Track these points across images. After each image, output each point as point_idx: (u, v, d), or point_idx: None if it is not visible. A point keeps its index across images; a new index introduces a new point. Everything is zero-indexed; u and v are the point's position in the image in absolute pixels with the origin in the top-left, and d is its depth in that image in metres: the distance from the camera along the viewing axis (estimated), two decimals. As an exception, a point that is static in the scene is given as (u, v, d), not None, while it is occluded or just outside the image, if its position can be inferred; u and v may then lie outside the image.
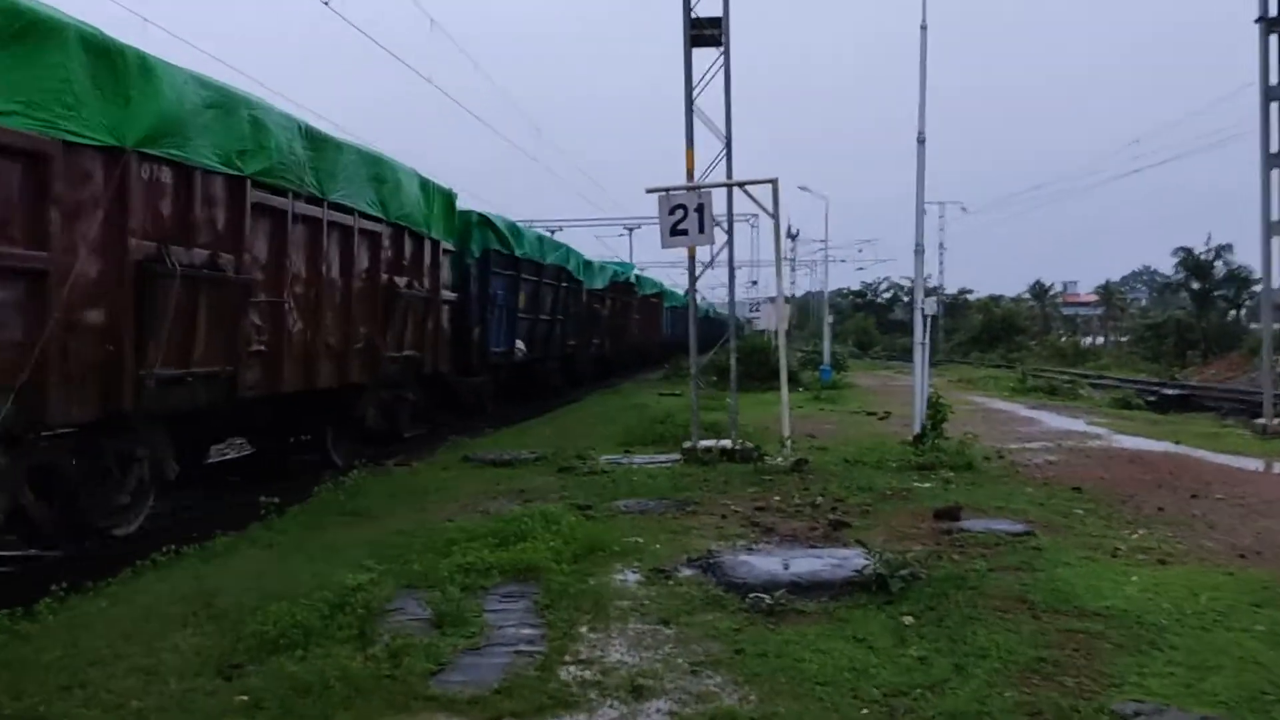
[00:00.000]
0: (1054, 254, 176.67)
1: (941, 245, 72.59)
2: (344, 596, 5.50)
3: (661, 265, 67.05)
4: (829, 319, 39.13)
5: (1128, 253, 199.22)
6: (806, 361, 35.52)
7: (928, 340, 12.66)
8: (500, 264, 18.28)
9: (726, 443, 11.76)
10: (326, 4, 15.21)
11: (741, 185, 10.96)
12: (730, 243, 11.67)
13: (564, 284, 23.87)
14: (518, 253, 19.11)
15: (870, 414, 18.96)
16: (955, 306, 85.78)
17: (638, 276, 36.72)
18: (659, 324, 42.65)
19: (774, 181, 10.81)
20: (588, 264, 26.92)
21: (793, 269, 66.19)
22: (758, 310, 38.71)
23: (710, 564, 6.62)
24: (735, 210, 11.89)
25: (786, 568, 6.51)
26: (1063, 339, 73.49)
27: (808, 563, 6.63)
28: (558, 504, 9.15)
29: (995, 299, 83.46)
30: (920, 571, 6.11)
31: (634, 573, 6.51)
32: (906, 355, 64.68)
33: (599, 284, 28.38)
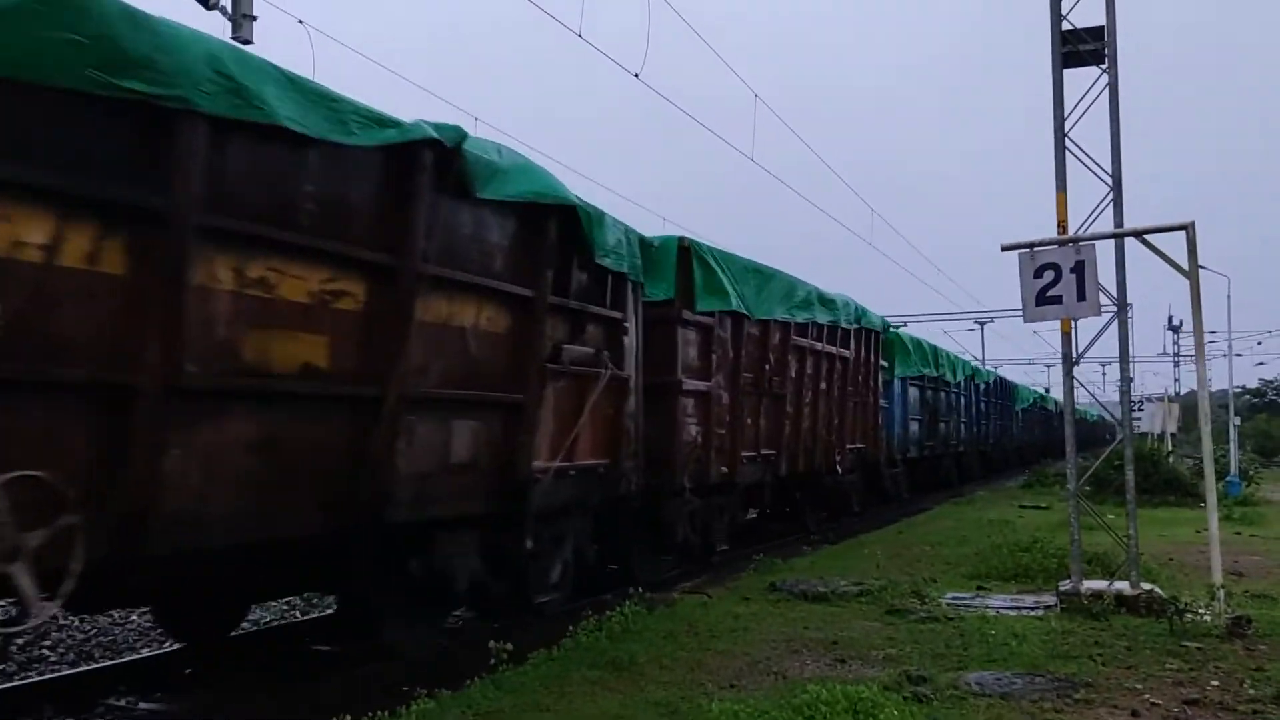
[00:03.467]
0: None
1: (1364, 335, 61.26)
2: None
3: (1004, 361, 61.90)
4: (1235, 420, 33.01)
5: None
6: (1199, 471, 29.85)
7: None
8: (912, 376, 22.99)
9: (1123, 586, 8.61)
10: (637, 76, 14.01)
11: (1142, 234, 8.04)
12: (1122, 311, 8.67)
13: (951, 390, 27.35)
14: (924, 370, 23.52)
15: (1308, 542, 14.55)
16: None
17: (978, 370, 34.94)
18: (1010, 425, 40.20)
19: (1189, 227, 7.82)
20: (975, 371, 31.50)
21: (1176, 364, 58.62)
22: (1140, 410, 33.39)
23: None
24: (1126, 274, 8.88)
25: None
26: None
27: None
28: (879, 670, 6.64)
29: None
30: None
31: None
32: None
33: (982, 388, 32.71)
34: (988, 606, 8.88)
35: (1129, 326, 8.73)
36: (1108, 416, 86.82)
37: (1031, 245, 8.34)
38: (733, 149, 16.92)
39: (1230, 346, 34.55)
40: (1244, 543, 14.40)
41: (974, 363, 33.64)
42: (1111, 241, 8.74)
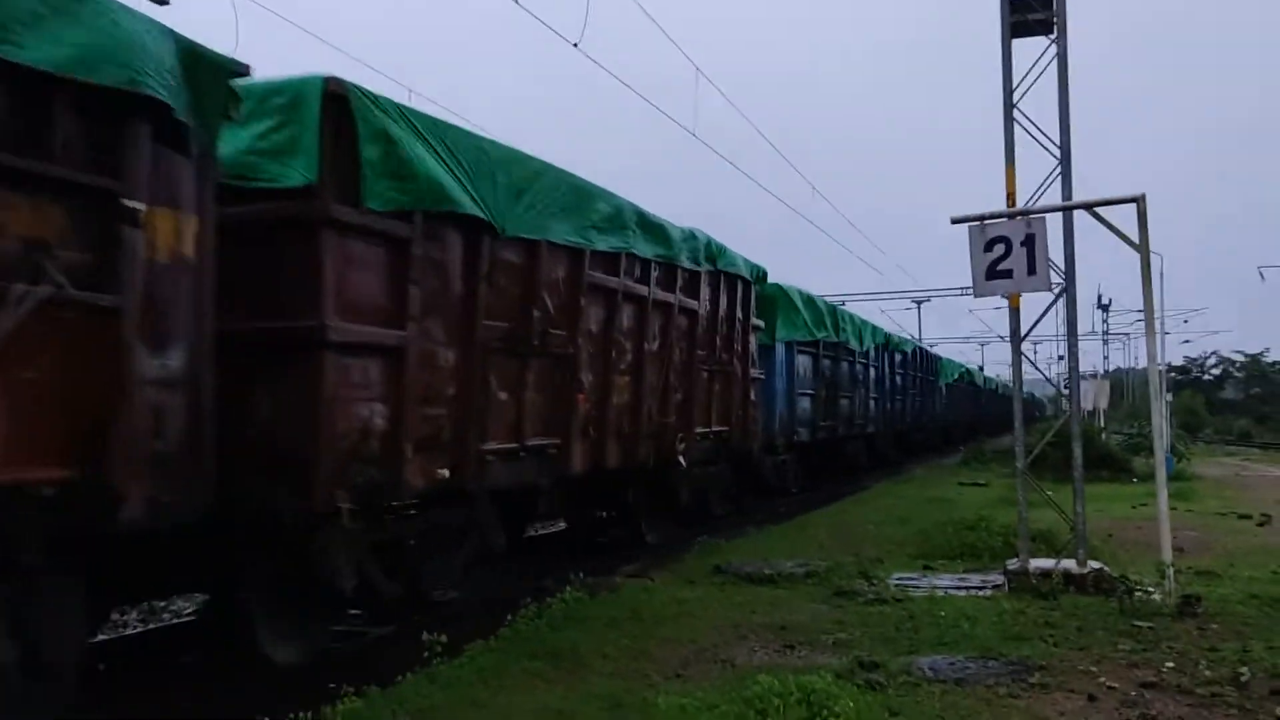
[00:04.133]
0: None
1: (1287, 313, 63.03)
2: None
3: (940, 340, 62.42)
4: (1167, 396, 33.51)
5: None
6: (1129, 446, 30.39)
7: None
8: (802, 342, 18.65)
9: (1070, 564, 8.51)
10: (575, 45, 13.60)
11: (1093, 206, 7.88)
12: (1071, 285, 8.54)
13: (858, 360, 22.89)
14: (819, 335, 19.10)
15: (1243, 517, 14.71)
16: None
17: (893, 338, 29.42)
18: (933, 401, 35.07)
19: (1140, 200, 7.67)
20: (888, 339, 26.34)
21: (1105, 342, 59.78)
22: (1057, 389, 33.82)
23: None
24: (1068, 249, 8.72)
25: None
26: None
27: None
28: (829, 656, 6.42)
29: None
30: None
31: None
32: (1243, 440, 56.26)
33: (899, 359, 28.18)
34: (935, 587, 8.72)
35: (1074, 291, 8.58)
36: (1037, 394, 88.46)
37: (982, 218, 8.14)
38: (674, 123, 16.54)
39: (1161, 324, 35.07)
40: (1180, 518, 14.39)
41: (889, 331, 27.20)
42: (1059, 216, 8.60)
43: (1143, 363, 49.19)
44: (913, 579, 9.20)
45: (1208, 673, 5.88)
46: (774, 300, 16.65)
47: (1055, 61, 8.75)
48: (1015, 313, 8.82)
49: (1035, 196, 8.62)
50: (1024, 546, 8.71)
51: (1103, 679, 5.83)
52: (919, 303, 56.95)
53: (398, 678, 5.92)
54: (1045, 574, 8.25)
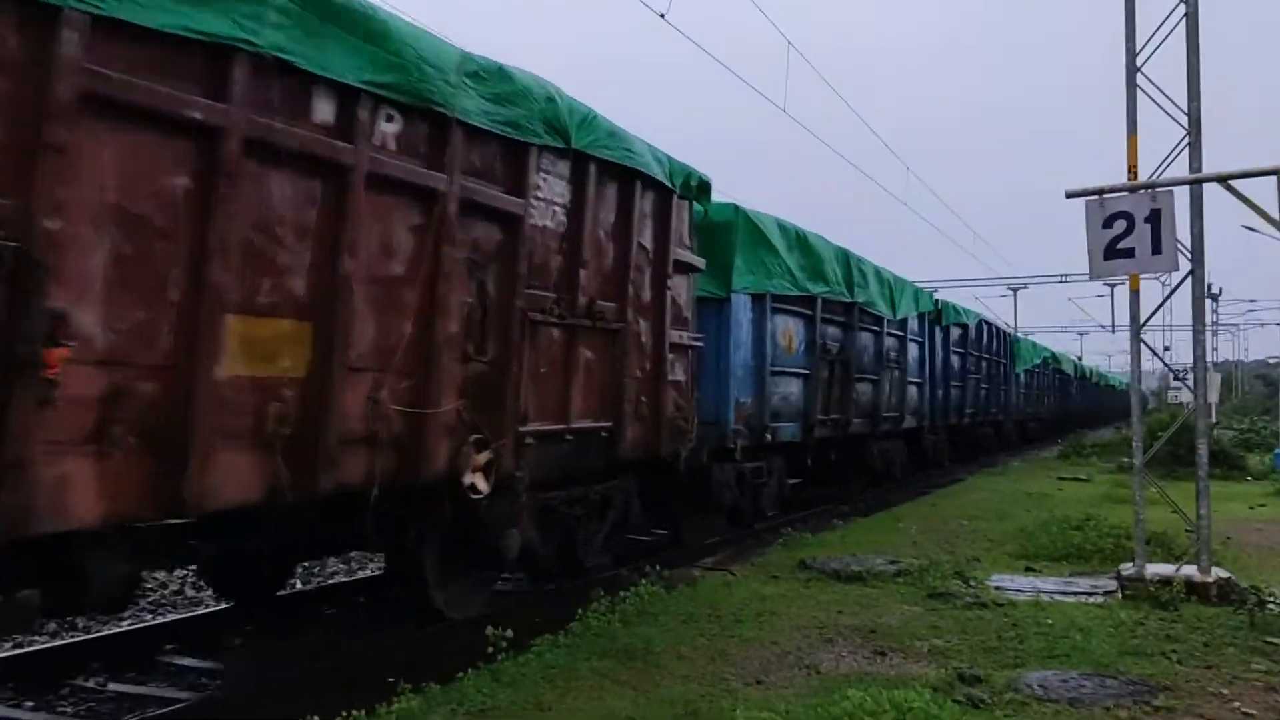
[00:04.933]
0: None
1: None
2: None
3: (1038, 329, 60.57)
4: (1203, 393, 31.56)
5: None
6: (1240, 443, 28.83)
7: None
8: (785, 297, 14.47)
9: (1191, 570, 7.79)
10: (663, 16, 13.11)
11: (1227, 179, 7.12)
12: (1199, 266, 7.78)
13: (888, 332, 19.61)
14: (814, 289, 14.21)
15: (1375, 522, 13.60)
16: None
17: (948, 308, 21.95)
18: (1007, 391, 27.70)
19: (1281, 171, 6.90)
20: (939, 307, 19.90)
21: (1214, 333, 57.15)
22: (1181, 380, 32.14)
23: None
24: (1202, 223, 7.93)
25: None
26: None
27: None
28: (924, 666, 5.89)
29: None
30: None
31: None
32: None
33: (956, 335, 21.79)
34: (1040, 591, 8.09)
35: (1204, 272, 7.82)
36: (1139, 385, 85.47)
37: (1100, 191, 7.45)
38: (765, 99, 15.95)
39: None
40: (1304, 521, 13.47)
41: (943, 299, 20.33)
42: (1184, 191, 7.84)
43: (1254, 354, 46.92)
44: (1015, 582, 8.57)
45: (1362, 702, 5.20)
46: (729, 230, 10.67)
47: (1185, 21, 7.97)
48: (1135, 296, 8.10)
49: (1160, 169, 7.87)
50: (1140, 550, 8.00)
51: (1236, 703, 5.19)
52: (1015, 290, 55.19)
53: (459, 674, 5.59)
54: (1164, 581, 7.54)
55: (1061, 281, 55.39)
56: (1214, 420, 31.96)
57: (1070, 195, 7.54)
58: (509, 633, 5.87)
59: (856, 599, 7.81)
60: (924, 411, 18.31)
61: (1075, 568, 9.31)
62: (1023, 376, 29.63)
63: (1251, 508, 14.88)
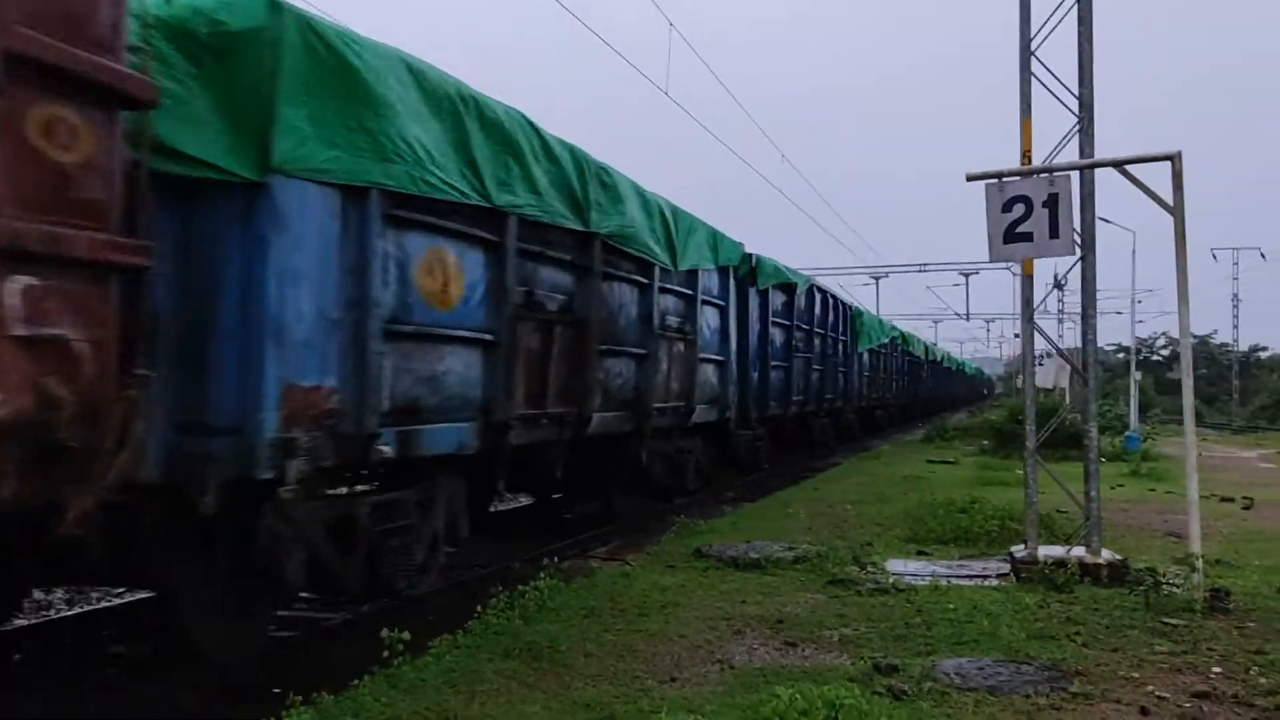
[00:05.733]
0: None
1: (1236, 296, 63.72)
2: None
3: (898, 316, 62.33)
4: (1136, 375, 33.40)
5: None
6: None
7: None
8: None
9: (1080, 551, 7.92)
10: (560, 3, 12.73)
11: (1123, 164, 7.20)
12: (1090, 250, 7.89)
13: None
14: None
15: (1226, 500, 14.30)
16: (1246, 366, 75.70)
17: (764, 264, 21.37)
18: (847, 374, 22.91)
19: (1175, 157, 7.01)
20: (753, 263, 15.88)
21: (1060, 320, 59.98)
22: (1040, 364, 33.48)
23: None
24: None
25: None
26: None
27: None
28: (836, 656, 5.75)
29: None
30: None
31: None
32: (1196, 419, 57.08)
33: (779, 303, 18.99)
34: (937, 575, 8.10)
35: (1094, 254, 7.93)
36: (986, 371, 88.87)
37: (1000, 175, 7.45)
38: (648, 80, 15.71)
39: (1133, 303, 35.09)
40: (1165, 501, 14.06)
41: (756, 254, 14.79)
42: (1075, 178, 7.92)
43: (1102, 341, 49.10)
44: (910, 566, 8.56)
45: (1263, 680, 5.28)
46: (260, 48, 5.06)
47: (1076, 6, 8.05)
48: (1029, 280, 8.18)
49: (1053, 154, 7.95)
50: (1032, 533, 8.10)
51: (1150, 687, 5.20)
52: (877, 278, 56.68)
53: (354, 681, 5.16)
54: (1058, 563, 7.64)
55: (921, 270, 57.45)
56: (1068, 405, 33.55)
57: (971, 179, 7.52)
58: (405, 635, 5.45)
59: (758, 587, 7.66)
60: (728, 400, 13.32)
61: (964, 550, 9.39)
62: (866, 357, 25.62)
63: (1113, 488, 15.45)
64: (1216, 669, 5.51)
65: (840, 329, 21.65)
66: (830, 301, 20.83)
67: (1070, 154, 8.00)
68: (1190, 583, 7.01)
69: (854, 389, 23.79)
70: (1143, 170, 7.39)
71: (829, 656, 5.81)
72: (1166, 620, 6.50)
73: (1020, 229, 7.37)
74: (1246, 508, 13.58)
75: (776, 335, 16.25)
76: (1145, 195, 7.14)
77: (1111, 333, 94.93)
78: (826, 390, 20.44)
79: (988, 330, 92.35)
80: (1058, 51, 8.18)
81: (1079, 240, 7.84)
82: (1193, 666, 5.58)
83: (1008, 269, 59.42)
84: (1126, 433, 25.52)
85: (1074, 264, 8.09)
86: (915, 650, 5.88)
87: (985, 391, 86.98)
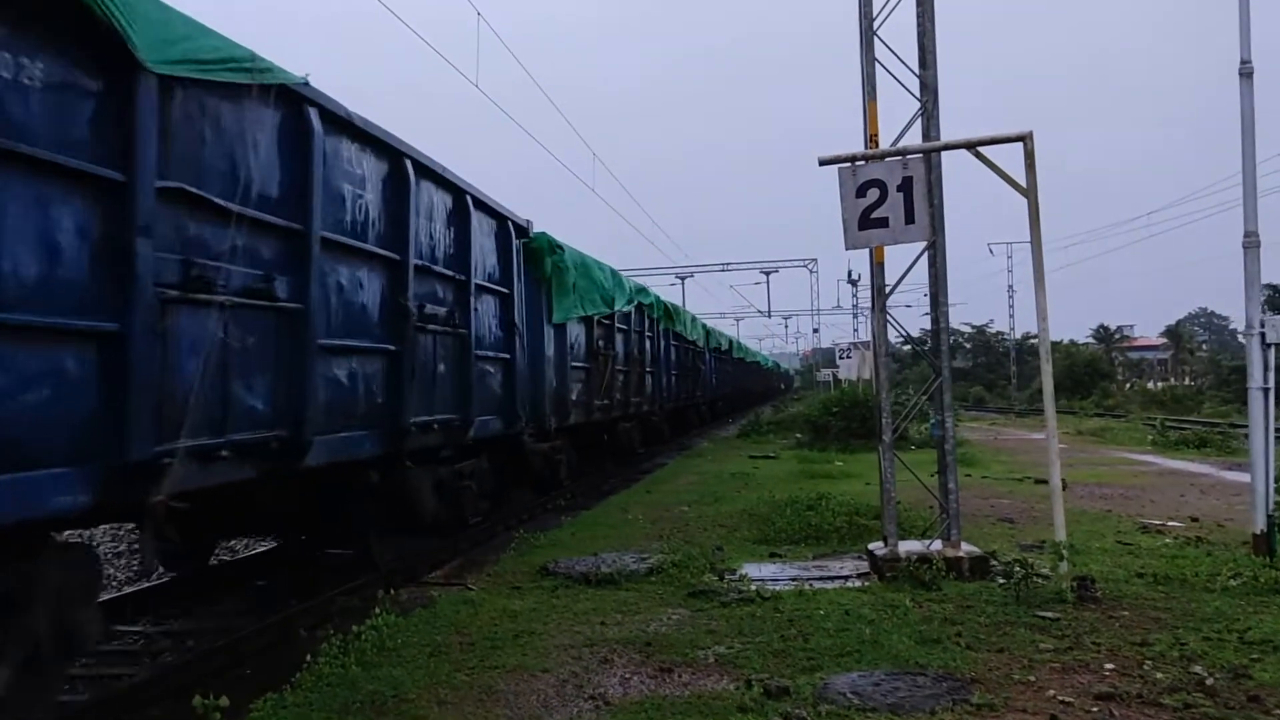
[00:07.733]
0: (1114, 297, 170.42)
1: (1011, 288, 68.06)
2: None
3: (703, 315, 63.49)
4: (947, 364, 34.57)
5: (1184, 296, 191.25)
6: (895, 414, 31.17)
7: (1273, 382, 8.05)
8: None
9: (939, 545, 7.73)
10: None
11: (976, 145, 7.01)
12: (939, 234, 7.70)
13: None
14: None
15: (1040, 482, 14.75)
16: (1020, 352, 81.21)
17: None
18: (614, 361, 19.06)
19: (1027, 138, 6.88)
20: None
21: (855, 315, 62.50)
22: (846, 356, 34.42)
23: None
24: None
25: None
26: (1129, 385, 68.84)
27: None
28: (717, 680, 5.24)
29: (1057, 343, 78.82)
30: None
31: None
32: (979, 405, 60.20)
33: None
34: (798, 579, 7.73)
35: (943, 240, 7.76)
36: (783, 366, 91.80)
37: (853, 158, 7.14)
38: (456, 71, 14.87)
39: (933, 292, 36.45)
40: (986, 487, 14.39)
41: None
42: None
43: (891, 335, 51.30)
44: (769, 570, 8.18)
45: (1159, 675, 5.10)
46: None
47: (916, -12, 7.86)
48: (880, 269, 7.92)
49: (900, 137, 7.72)
50: (892, 529, 7.85)
51: (1051, 691, 4.92)
52: (683, 278, 57.49)
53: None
54: (923, 559, 7.40)
55: (724, 270, 58.67)
56: (869, 394, 34.63)
57: (824, 162, 7.18)
58: (224, 700, 4.55)
59: (616, 606, 7.06)
60: (518, 408, 11.04)
61: (816, 549, 9.11)
62: (675, 354, 23.29)
63: (931, 475, 15.71)
64: (1109, 665, 5.31)
65: (644, 325, 19.60)
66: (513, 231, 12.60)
67: (915, 137, 7.80)
68: (1058, 573, 6.89)
69: (662, 389, 21.88)
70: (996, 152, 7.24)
71: (710, 681, 5.27)
72: (1040, 614, 6.32)
73: (875, 214, 7.08)
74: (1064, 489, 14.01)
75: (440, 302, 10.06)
76: (998, 176, 6.97)
77: (908, 324, 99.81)
78: (633, 393, 18.35)
79: (786, 327, 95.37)
80: (900, 32, 7.98)
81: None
82: (1084, 664, 5.36)
83: (805, 267, 61.57)
84: (930, 421, 26.36)
85: (924, 250, 7.90)
86: (799, 667, 5.42)
87: (783, 386, 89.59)
